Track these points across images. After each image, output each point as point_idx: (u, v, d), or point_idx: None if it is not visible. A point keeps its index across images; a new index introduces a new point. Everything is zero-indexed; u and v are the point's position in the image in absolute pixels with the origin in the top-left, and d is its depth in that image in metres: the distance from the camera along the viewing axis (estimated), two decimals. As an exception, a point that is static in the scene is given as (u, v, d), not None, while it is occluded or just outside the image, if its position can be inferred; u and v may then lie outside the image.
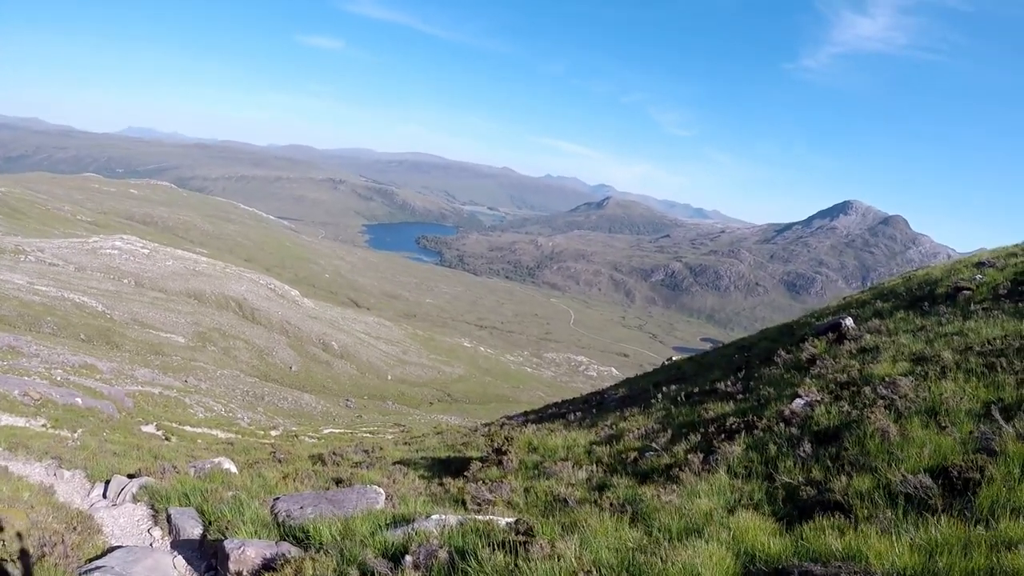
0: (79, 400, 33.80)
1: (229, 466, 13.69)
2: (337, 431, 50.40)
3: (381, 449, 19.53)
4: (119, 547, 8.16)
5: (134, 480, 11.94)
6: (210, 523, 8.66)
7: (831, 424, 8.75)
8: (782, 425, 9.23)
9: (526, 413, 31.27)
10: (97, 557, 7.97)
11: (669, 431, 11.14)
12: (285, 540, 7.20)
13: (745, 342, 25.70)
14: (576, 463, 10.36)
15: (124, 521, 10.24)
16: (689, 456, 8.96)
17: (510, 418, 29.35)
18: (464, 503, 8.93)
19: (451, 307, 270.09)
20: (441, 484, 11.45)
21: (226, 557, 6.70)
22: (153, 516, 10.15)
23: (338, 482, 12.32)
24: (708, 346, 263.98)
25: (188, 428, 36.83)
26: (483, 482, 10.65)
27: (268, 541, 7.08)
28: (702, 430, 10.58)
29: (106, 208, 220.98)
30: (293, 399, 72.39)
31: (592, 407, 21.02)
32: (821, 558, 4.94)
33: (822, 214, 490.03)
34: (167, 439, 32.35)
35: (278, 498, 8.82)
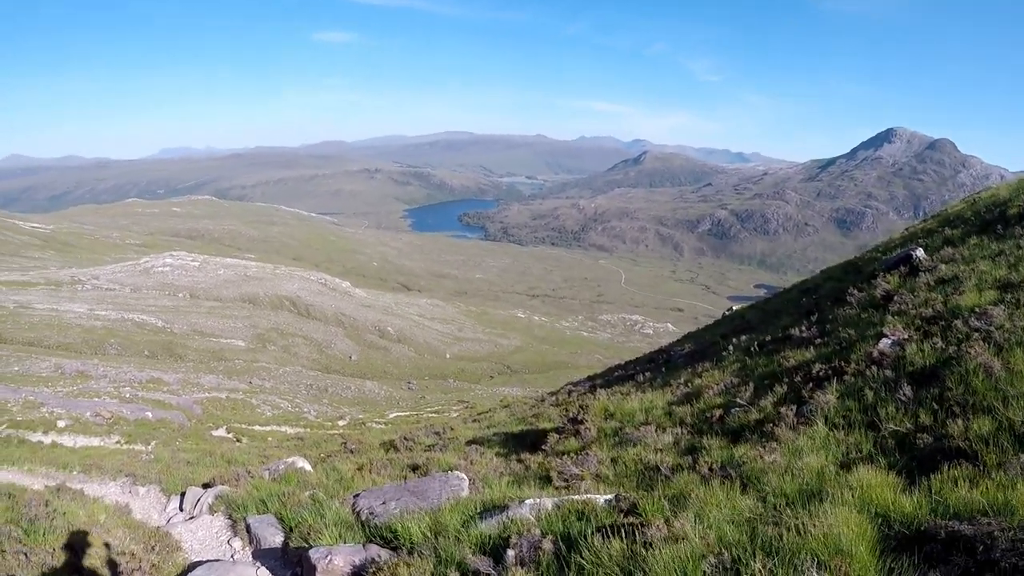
0: (149, 414, 34.30)
1: (303, 464, 13.50)
2: (403, 415, 50.58)
3: (452, 429, 19.29)
4: (200, 563, 7.92)
5: (209, 490, 11.80)
6: (291, 529, 8.39)
7: (927, 363, 8.13)
8: (874, 368, 8.62)
9: (591, 378, 30.86)
10: None
11: (751, 384, 10.57)
12: (372, 542, 6.84)
13: (808, 284, 24.90)
14: (658, 426, 9.85)
15: (203, 534, 10.07)
16: (781, 410, 8.42)
17: (575, 384, 28.95)
18: (550, 479, 8.49)
19: (500, 280, 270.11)
20: (520, 460, 11.10)
21: (312, 568, 6.36)
22: (232, 526, 9.98)
23: (415, 469, 12.10)
24: (763, 292, 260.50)
25: (257, 428, 37.29)
26: (565, 455, 10.26)
27: (355, 545, 6.74)
28: (786, 380, 10.00)
29: (152, 229, 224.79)
30: (356, 388, 73.03)
31: (660, 366, 20.50)
32: (964, 515, 4.40)
33: (865, 145, 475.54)
34: (238, 440, 32.67)
35: (358, 494, 8.53)
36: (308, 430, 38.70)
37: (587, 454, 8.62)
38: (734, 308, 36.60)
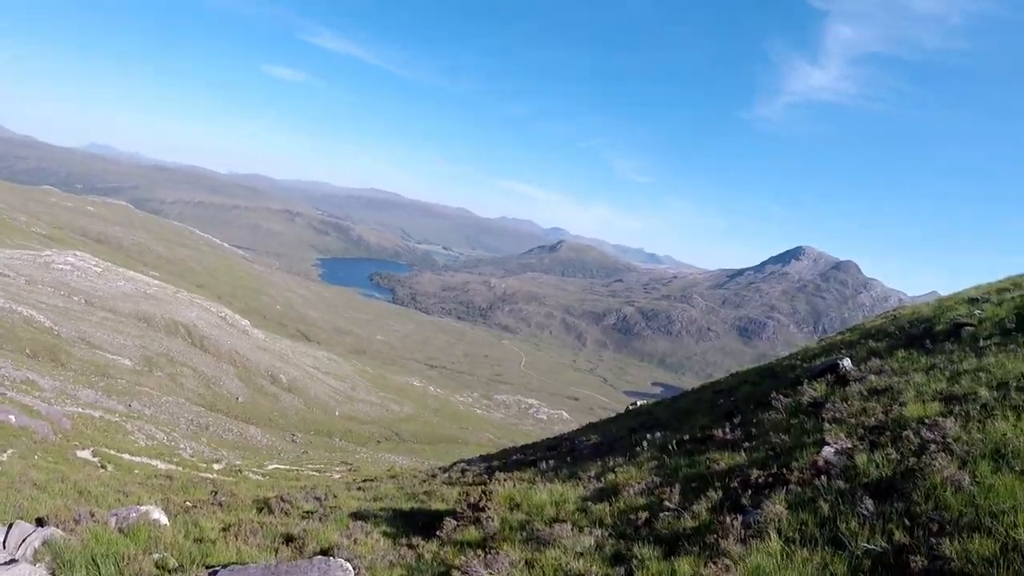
0: (12, 418, 31.56)
1: (158, 516, 11.64)
2: (283, 467, 48.75)
3: (335, 496, 17.78)
4: None
5: (39, 531, 9.69)
6: None
7: (883, 474, 7.64)
8: (823, 478, 7.94)
9: (485, 458, 29.63)
10: None
11: (676, 486, 9.58)
12: None
13: (722, 385, 24.55)
14: (574, 525, 8.74)
15: None
16: (722, 518, 7.41)
17: (468, 463, 27.67)
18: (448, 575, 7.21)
19: (402, 345, 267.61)
20: (411, 546, 9.84)
21: None
22: None
23: (289, 541, 10.78)
24: (659, 390, 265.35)
25: (127, 456, 35.14)
26: (466, 546, 9.06)
27: None
28: (718, 484, 9.09)
29: (62, 222, 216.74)
30: (238, 431, 70.23)
31: (564, 455, 19.45)
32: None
33: (774, 259, 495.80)
34: (103, 467, 30.45)
35: (216, 571, 7.09)
36: (181, 468, 36.58)
37: (497, 554, 7.33)
38: (638, 403, 36.08)
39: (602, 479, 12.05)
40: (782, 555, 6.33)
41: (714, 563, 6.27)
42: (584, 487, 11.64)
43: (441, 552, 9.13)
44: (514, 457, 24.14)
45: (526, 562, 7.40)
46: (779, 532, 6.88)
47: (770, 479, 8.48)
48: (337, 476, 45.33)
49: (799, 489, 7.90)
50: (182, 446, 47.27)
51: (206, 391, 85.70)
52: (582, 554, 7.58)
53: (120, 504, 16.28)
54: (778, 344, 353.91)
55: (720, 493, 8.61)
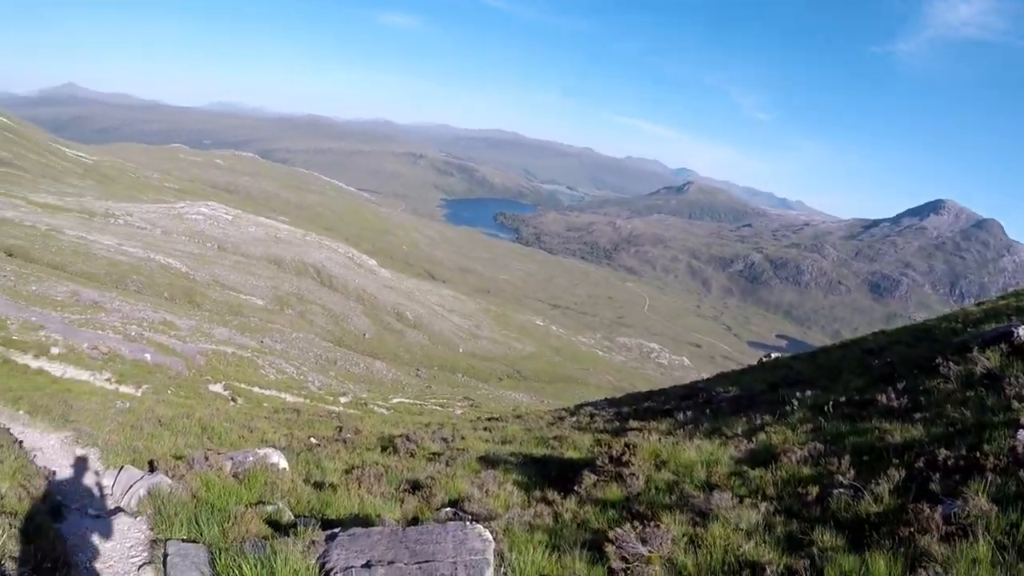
0: (148, 356, 32.98)
1: (277, 459, 11.11)
2: (407, 401, 49.59)
3: (462, 438, 17.34)
4: None
5: (146, 478, 9.25)
6: None
7: None
8: (1025, 470, 6.61)
9: (612, 402, 28.90)
10: None
11: (846, 457, 8.49)
12: None
13: (870, 344, 22.78)
14: (733, 494, 7.85)
15: (111, 547, 7.43)
16: (913, 506, 6.29)
17: (595, 406, 27.04)
18: (600, 549, 6.36)
19: (525, 285, 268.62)
20: (548, 501, 8.98)
21: None
22: (151, 545, 7.32)
23: (415, 488, 10.14)
24: (784, 344, 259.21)
25: (257, 390, 36.21)
26: (605, 506, 8.18)
27: None
28: (896, 460, 7.99)
29: (192, 177, 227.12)
30: (365, 365, 71.99)
31: (701, 406, 18.47)
32: None
33: (912, 212, 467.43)
34: (233, 400, 31.36)
35: (335, 535, 6.19)
36: (308, 401, 37.53)
37: (657, 527, 6.44)
38: (772, 356, 34.56)
39: (752, 439, 10.99)
40: (992, 564, 5.25)
41: (922, 568, 5.25)
42: (735, 447, 10.63)
43: (581, 511, 8.31)
44: (646, 404, 23.27)
45: (689, 539, 6.56)
46: (987, 532, 5.72)
47: (961, 463, 7.28)
48: (459, 411, 45.76)
49: (999, 480, 6.64)
50: (310, 379, 48.51)
51: (334, 327, 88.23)
52: (749, 533, 6.64)
53: (243, 441, 16.41)
54: (911, 305, 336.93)
55: (902, 473, 7.52)
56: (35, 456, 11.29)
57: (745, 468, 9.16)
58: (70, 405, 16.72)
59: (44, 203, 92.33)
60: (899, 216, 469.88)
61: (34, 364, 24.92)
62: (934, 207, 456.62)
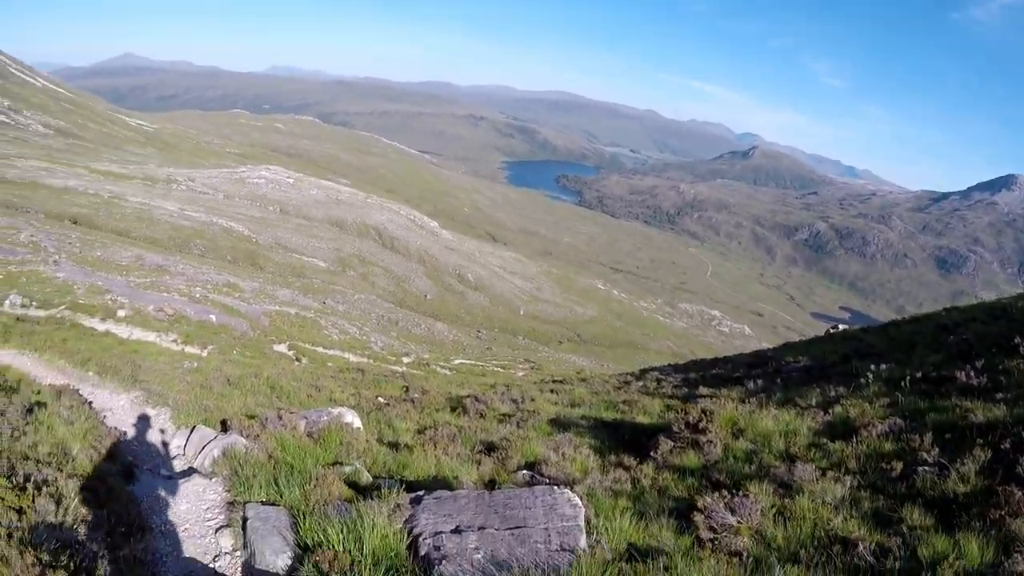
0: (213, 317, 33.69)
1: (351, 419, 10.92)
2: (468, 362, 49.85)
3: (532, 400, 17.35)
4: None
5: (220, 438, 9.21)
6: (306, 548, 5.65)
7: None
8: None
9: (678, 368, 28.77)
10: None
11: (928, 434, 8.33)
12: None
13: (944, 320, 22.28)
14: (815, 465, 7.64)
15: (186, 508, 7.36)
16: (1003, 489, 5.94)
17: (661, 371, 26.93)
18: (688, 518, 6.30)
19: (587, 248, 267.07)
20: (624, 466, 8.85)
21: None
22: (228, 507, 7.21)
23: (490, 450, 10.09)
24: (847, 316, 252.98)
25: (320, 349, 36.60)
26: (683, 473, 8.11)
27: None
28: (980, 440, 7.84)
29: (253, 141, 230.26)
30: (426, 327, 72.64)
31: (770, 375, 18.25)
32: None
33: (982, 186, 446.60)
34: (298, 360, 31.76)
35: (419, 499, 6.00)
36: (371, 361, 37.87)
37: (745, 496, 6.37)
38: (840, 327, 34.01)
39: (828, 411, 10.78)
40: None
41: (1017, 553, 5.03)
42: (811, 419, 10.52)
43: (660, 478, 8.19)
44: (713, 371, 23.10)
45: (778, 511, 6.45)
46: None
47: (1051, 447, 7.17)
48: (521, 374, 45.91)
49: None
50: (373, 340, 49.03)
51: (396, 288, 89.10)
52: (837, 508, 6.50)
53: (312, 400, 16.53)
54: (978, 283, 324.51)
55: (988, 453, 7.38)
56: (105, 416, 11.48)
57: (824, 440, 9.01)
58: (138, 366, 17.10)
59: (107, 171, 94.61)
60: (969, 190, 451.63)
61: (101, 327, 25.54)
62: (1006, 182, 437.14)
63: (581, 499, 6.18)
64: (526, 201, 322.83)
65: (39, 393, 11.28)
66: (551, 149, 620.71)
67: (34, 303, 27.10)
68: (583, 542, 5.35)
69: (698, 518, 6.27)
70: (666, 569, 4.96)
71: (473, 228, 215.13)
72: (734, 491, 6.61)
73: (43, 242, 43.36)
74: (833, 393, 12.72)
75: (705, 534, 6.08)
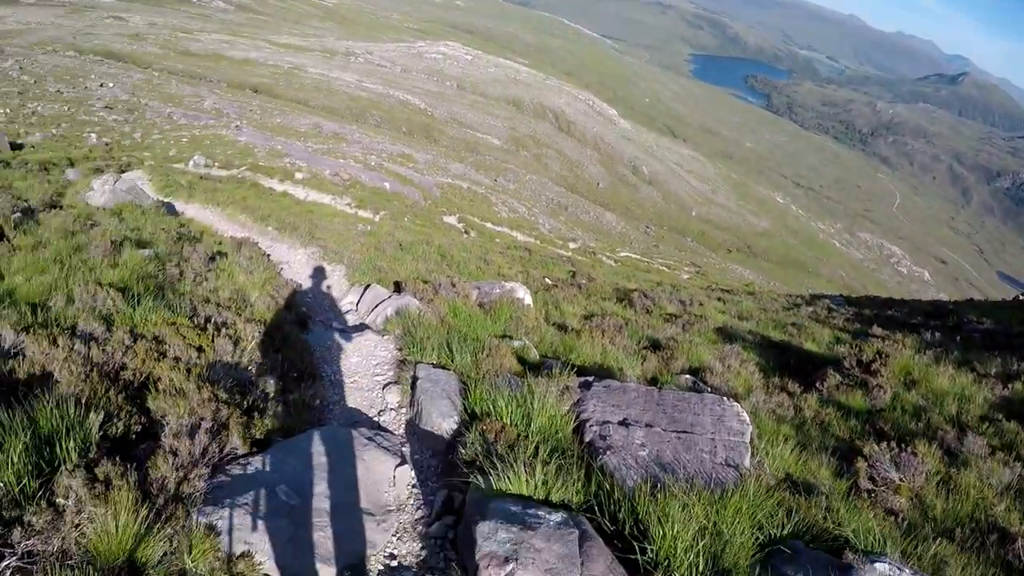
0: (387, 185, 34.81)
1: (523, 295, 10.95)
2: (634, 256, 49.59)
3: (700, 305, 17.32)
4: (315, 430, 5.28)
5: (394, 298, 9.44)
6: (473, 416, 5.65)
7: None
8: None
9: (850, 301, 27.75)
10: (261, 444, 5.10)
11: None
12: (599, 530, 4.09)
13: None
14: (986, 440, 7.07)
15: (356, 362, 7.56)
16: None
17: (832, 300, 26.28)
18: (850, 461, 6.07)
19: (769, 156, 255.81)
20: (788, 391, 8.55)
21: (474, 569, 3.69)
22: (398, 364, 7.33)
23: (655, 347, 9.92)
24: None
25: (489, 225, 37.08)
26: (848, 414, 7.85)
27: (569, 532, 3.84)
28: None
29: (432, 18, 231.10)
30: (595, 215, 72.59)
31: (950, 330, 17.53)
32: None
33: None
34: (466, 232, 32.16)
35: (588, 383, 5.92)
36: (538, 242, 38.10)
37: (913, 454, 6.33)
38: (1034, 294, 31.67)
39: (1008, 386, 10.23)
40: None
41: None
42: (988, 389, 10.10)
43: (822, 412, 7.89)
44: (888, 312, 22.37)
45: (942, 480, 6.06)
46: None
47: None
48: (685, 277, 45.41)
49: None
50: (541, 221, 49.34)
51: (568, 173, 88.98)
52: (1001, 493, 6.05)
53: (481, 272, 16.67)
54: None
55: None
56: (282, 269, 12.12)
57: (999, 416, 8.29)
58: (315, 224, 17.87)
59: (286, 44, 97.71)
60: None
61: (279, 187, 26.94)
62: None
63: (751, 417, 6.01)
64: (710, 98, 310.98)
65: (220, 244, 11.96)
66: (741, 46, 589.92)
67: (216, 164, 28.87)
68: (747, 461, 5.24)
69: (860, 465, 6.08)
70: (827, 510, 4.78)
71: (652, 120, 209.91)
72: (901, 446, 6.30)
73: (225, 109, 45.73)
74: (1016, 367, 12.17)
75: (864, 483, 5.89)
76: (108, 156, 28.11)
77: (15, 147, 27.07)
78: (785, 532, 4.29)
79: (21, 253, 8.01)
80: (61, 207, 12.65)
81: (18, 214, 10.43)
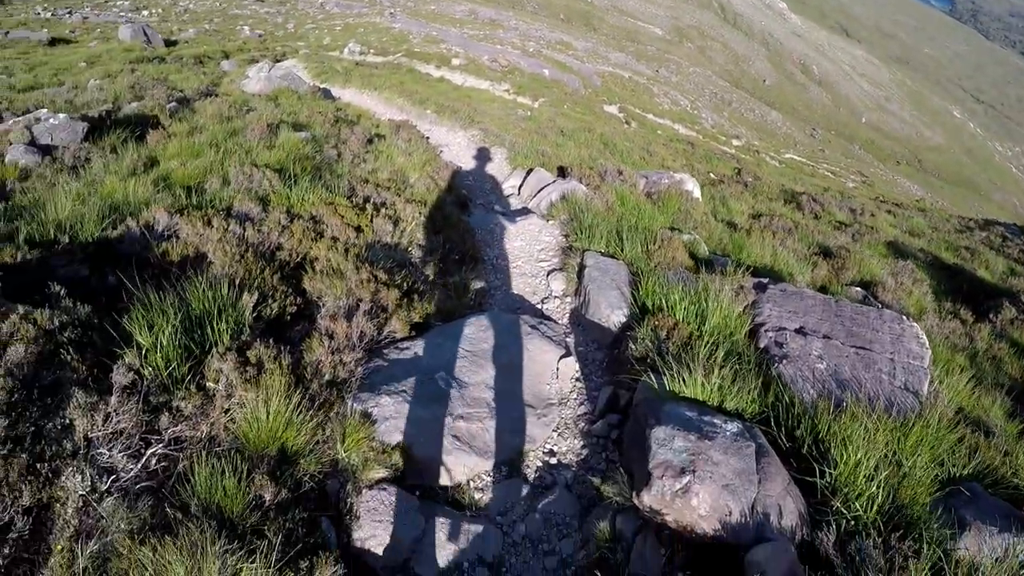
0: (546, 72, 34.29)
1: (692, 187, 10.51)
2: (798, 159, 47.85)
3: (872, 215, 16.41)
4: (477, 314, 5.22)
5: (558, 183, 9.11)
6: (643, 309, 5.40)
7: None
8: None
9: (1028, 230, 25.98)
10: (420, 327, 5.02)
11: None
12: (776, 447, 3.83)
13: None
14: None
15: (520, 246, 7.41)
16: None
17: (1007, 228, 24.46)
18: (1020, 399, 5.66)
19: (949, 66, 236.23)
20: (960, 318, 8.16)
21: (646, 477, 3.49)
22: (563, 252, 7.13)
23: (825, 254, 9.59)
24: None
25: (651, 117, 36.17)
26: (1020, 355, 7.30)
27: (746, 444, 3.58)
28: None
29: None
30: (760, 113, 69.76)
31: None
32: None
33: None
34: (627, 123, 31.64)
35: (763, 286, 5.62)
36: (700, 137, 37.13)
37: None
38: None
39: None
40: None
41: None
42: None
43: (995, 347, 7.38)
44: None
45: None
46: None
47: None
48: (851, 185, 43.38)
49: None
50: (703, 116, 47.79)
51: (733, 68, 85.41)
52: None
53: (645, 163, 16.24)
54: None
55: None
56: (441, 151, 12.01)
57: None
58: (475, 108, 17.72)
59: None
60: None
61: (436, 73, 26.87)
62: None
63: (928, 342, 5.47)
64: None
65: (378, 127, 12.01)
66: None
67: (371, 51, 28.92)
68: (926, 387, 4.81)
69: (1024, 417, 5.40)
70: (1005, 455, 4.39)
71: (824, 17, 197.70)
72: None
73: (379, -3, 45.69)
74: None
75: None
76: (262, 47, 28.95)
77: (169, 43, 28.08)
78: (965, 472, 4.00)
79: (176, 139, 8.12)
80: (216, 95, 12.94)
81: (173, 103, 10.74)
